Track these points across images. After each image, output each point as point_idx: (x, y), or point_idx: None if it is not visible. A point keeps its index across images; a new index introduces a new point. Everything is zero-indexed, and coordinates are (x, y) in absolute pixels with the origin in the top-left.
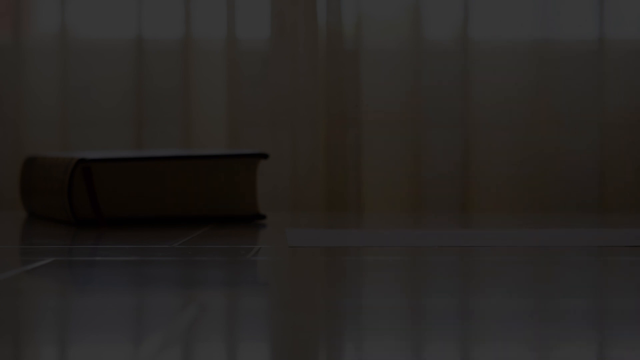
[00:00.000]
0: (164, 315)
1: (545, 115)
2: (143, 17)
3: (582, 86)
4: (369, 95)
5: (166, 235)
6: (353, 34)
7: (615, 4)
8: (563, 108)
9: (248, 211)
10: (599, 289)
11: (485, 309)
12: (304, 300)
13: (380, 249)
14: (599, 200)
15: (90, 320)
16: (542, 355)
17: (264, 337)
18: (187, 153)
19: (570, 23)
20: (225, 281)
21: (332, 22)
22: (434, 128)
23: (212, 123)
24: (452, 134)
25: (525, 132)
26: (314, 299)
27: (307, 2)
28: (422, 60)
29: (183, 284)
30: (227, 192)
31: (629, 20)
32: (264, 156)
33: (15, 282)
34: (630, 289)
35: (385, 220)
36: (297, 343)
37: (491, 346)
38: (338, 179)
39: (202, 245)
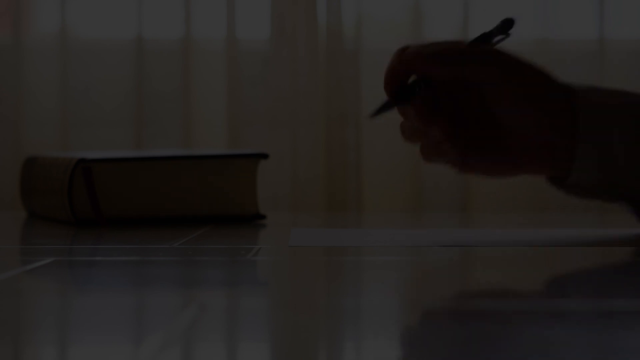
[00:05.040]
0: (164, 315)
1: None
2: (143, 17)
3: None
4: (369, 96)
5: (166, 235)
6: (353, 34)
7: (615, 4)
8: None
9: (248, 211)
10: (599, 288)
11: (485, 308)
12: (304, 300)
13: (380, 248)
14: None
15: (90, 320)
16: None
17: (264, 337)
18: (187, 153)
19: (570, 23)
20: (225, 281)
21: (332, 22)
22: None
23: (212, 123)
24: None
25: None
26: (314, 299)
27: (307, 3)
28: None
29: (183, 284)
30: (227, 192)
31: (629, 20)
32: (264, 156)
33: (15, 282)
34: (632, 289)
35: (385, 220)
36: (297, 343)
37: (489, 347)
38: (338, 179)
39: (202, 245)
